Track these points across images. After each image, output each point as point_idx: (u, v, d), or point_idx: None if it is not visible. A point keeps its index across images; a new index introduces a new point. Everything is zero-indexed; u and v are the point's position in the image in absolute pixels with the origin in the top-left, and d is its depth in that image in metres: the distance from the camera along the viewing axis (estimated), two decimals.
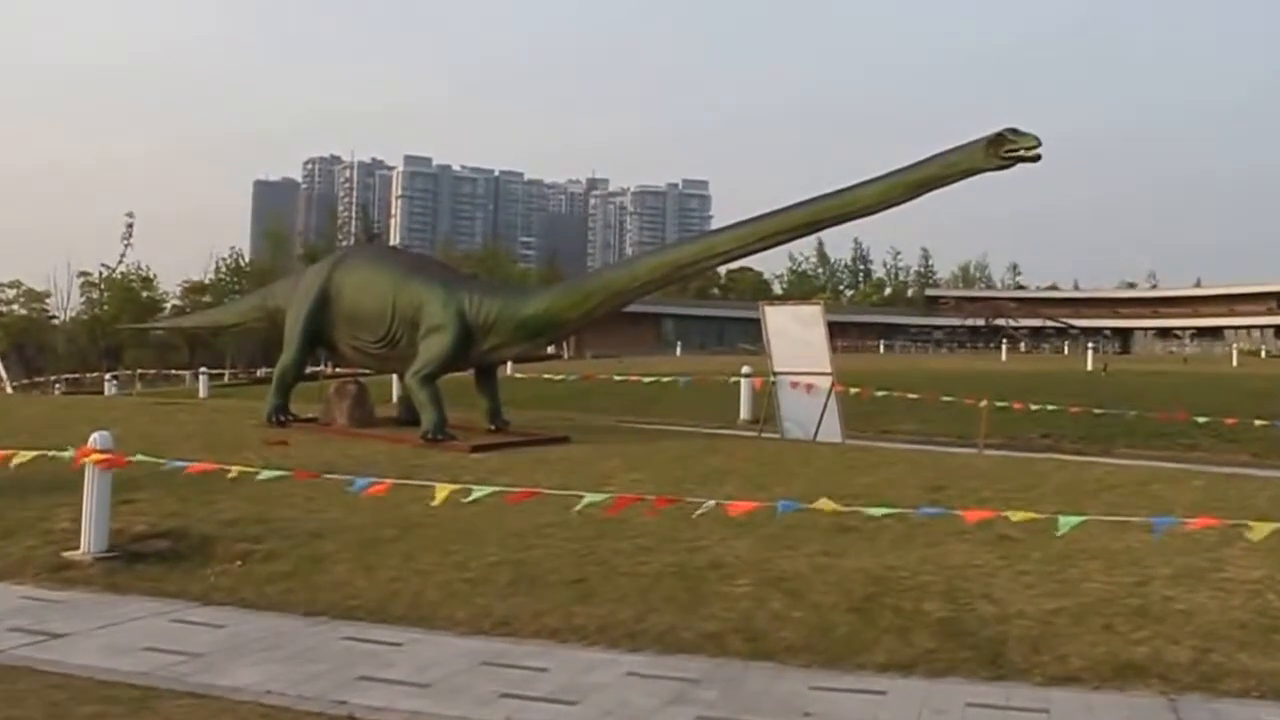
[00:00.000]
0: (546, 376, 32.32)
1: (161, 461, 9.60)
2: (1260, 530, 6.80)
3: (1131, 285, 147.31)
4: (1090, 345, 61.33)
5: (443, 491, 8.21)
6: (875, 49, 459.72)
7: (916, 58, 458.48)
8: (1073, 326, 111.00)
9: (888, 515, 8.51)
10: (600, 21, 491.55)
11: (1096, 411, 21.35)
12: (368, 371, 22.71)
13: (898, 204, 14.37)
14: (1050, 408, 21.06)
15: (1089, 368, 45.04)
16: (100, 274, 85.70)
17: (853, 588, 7.88)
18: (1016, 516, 7.53)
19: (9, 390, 45.69)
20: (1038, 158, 13.31)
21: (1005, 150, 13.32)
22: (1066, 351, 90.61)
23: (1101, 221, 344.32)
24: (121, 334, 75.33)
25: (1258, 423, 19.64)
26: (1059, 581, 8.01)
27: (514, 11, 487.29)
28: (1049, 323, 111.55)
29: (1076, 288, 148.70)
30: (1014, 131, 13.34)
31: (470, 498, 8.17)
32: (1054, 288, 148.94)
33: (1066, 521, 7.25)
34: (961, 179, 14.06)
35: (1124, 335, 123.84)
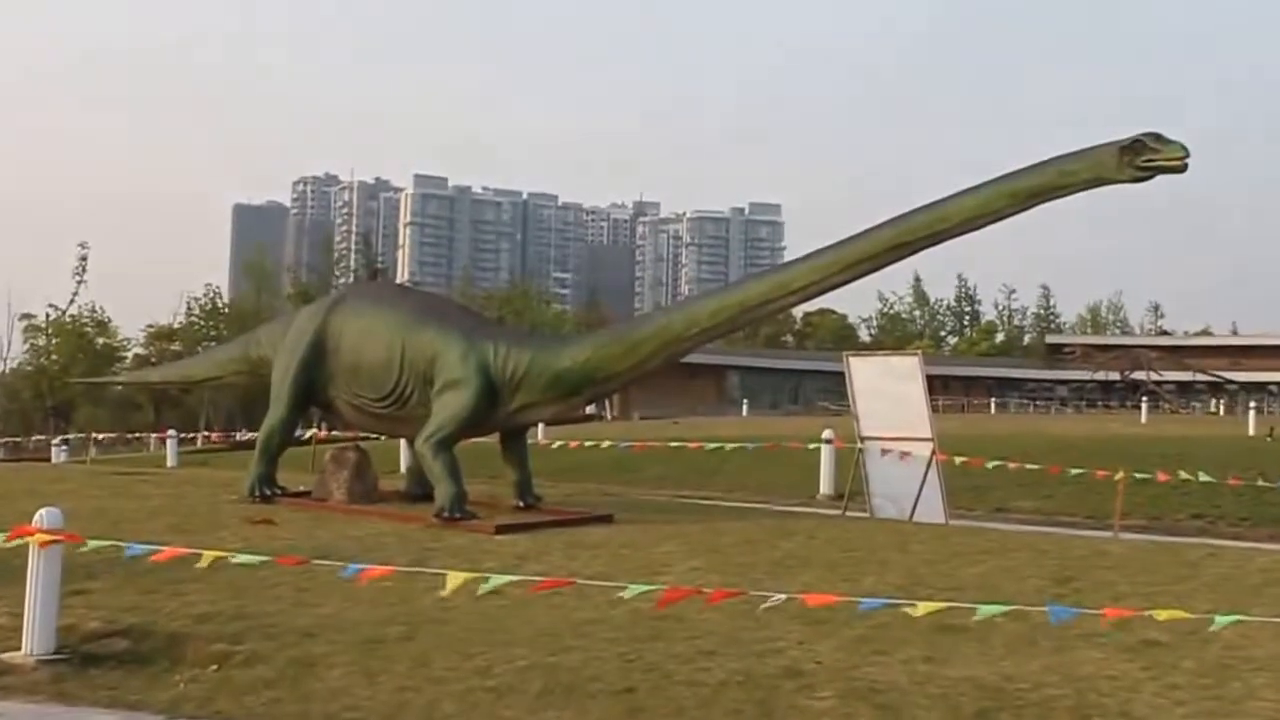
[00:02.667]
0: (588, 443, 32.34)
1: (121, 544, 9.66)
2: None
3: None
4: (1252, 404, 60.64)
5: (455, 579, 8.21)
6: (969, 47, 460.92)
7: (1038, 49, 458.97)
8: (1230, 381, 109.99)
9: (1002, 613, 8.43)
10: (645, 11, 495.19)
11: (1261, 485, 21.10)
12: (371, 436, 22.82)
13: (1002, 218, 14.32)
14: (1203, 479, 20.84)
15: (1251, 431, 44.52)
16: (47, 316, 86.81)
17: (961, 702, 7.81)
18: (1162, 615, 7.45)
19: None
20: (1183, 169, 13.22)
21: (1143, 160, 13.22)
22: (1222, 411, 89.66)
23: (1264, 251, 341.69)
24: (73, 389, 76.18)
25: None
26: (1217, 698, 7.90)
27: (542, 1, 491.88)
28: (1199, 376, 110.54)
29: (1235, 332, 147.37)
30: (1155, 138, 13.21)
31: (489, 586, 8.16)
32: (1206, 333, 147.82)
33: (1223, 620, 7.16)
34: (1083, 190, 13.97)
35: None
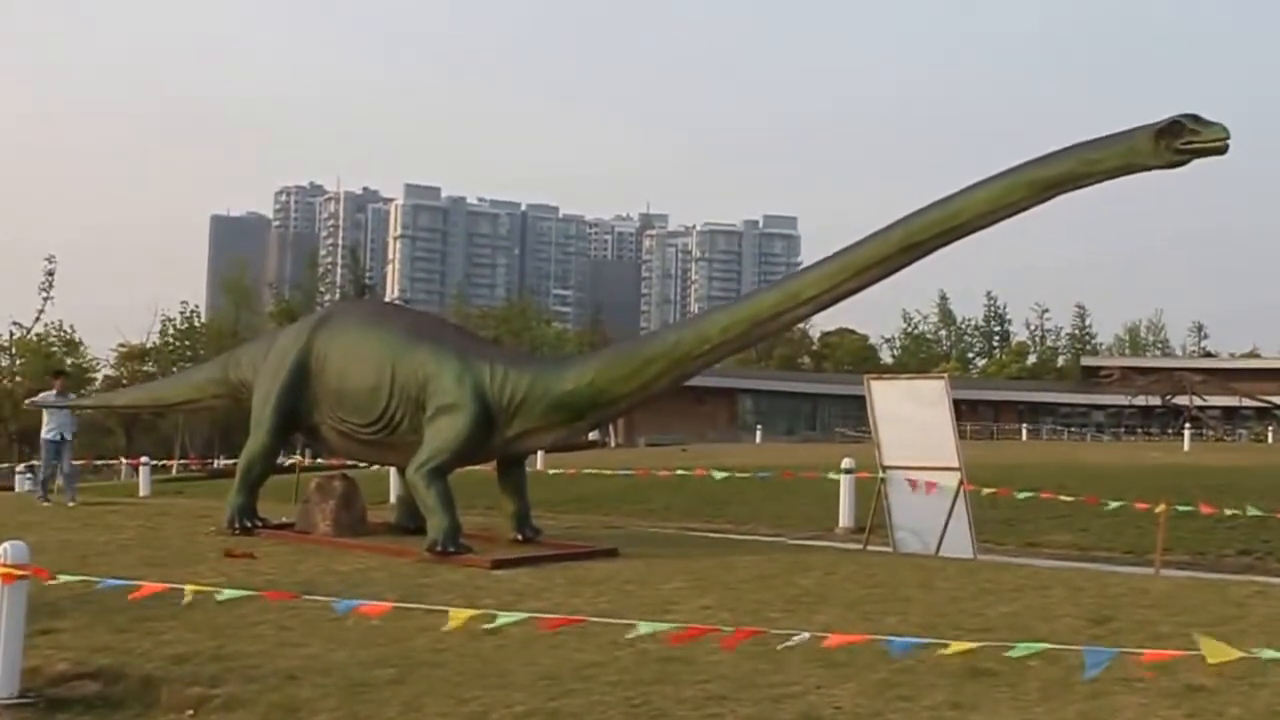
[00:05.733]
0: (589, 470, 32.36)
1: (91, 580, 9.66)
2: None
3: None
4: None
5: (460, 615, 8.19)
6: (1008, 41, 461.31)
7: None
8: (1278, 406, 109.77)
9: (1035, 655, 8.42)
10: (653, 9, 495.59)
11: None
12: (359, 464, 22.83)
13: (1020, 211, 14.20)
14: (1251, 513, 20.78)
15: None
16: (10, 335, 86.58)
17: None
18: (1208, 658, 7.42)
19: None
20: (1224, 150, 13.17)
21: (1182, 142, 13.16)
22: (1271, 439, 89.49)
23: None
24: (38, 413, 75.98)
25: None
26: None
27: None
28: (1246, 401, 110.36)
29: None
30: (1194, 119, 13.13)
31: (493, 624, 8.14)
32: (1253, 354, 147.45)
33: (1271, 654, 7.11)
34: (1111, 178, 13.84)
35: None
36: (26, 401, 33.29)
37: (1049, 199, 14.13)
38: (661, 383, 16.13)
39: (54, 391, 25.22)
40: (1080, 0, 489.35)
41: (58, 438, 24.47)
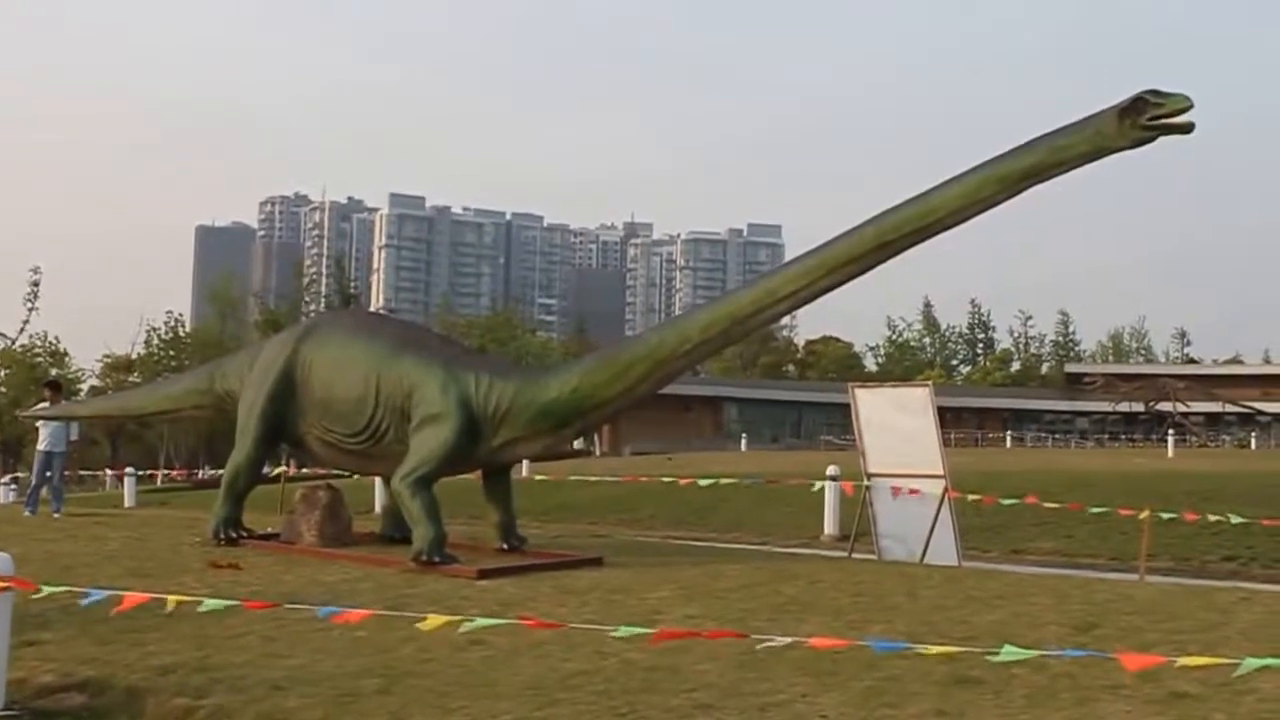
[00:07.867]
0: (574, 478, 32.34)
1: (76, 591, 9.63)
2: None
3: None
4: None
5: (435, 620, 8.19)
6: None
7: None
8: (1262, 412, 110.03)
9: (1020, 662, 8.42)
10: (635, 16, 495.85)
11: None
12: (344, 474, 22.80)
13: (992, 205, 14.22)
14: (1234, 520, 20.83)
15: None
16: None
17: None
18: (1192, 663, 7.42)
19: None
20: (1190, 126, 13.20)
21: (1147, 119, 13.18)
22: (1254, 445, 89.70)
23: None
24: (22, 424, 75.91)
25: None
26: None
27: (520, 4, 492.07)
28: (1229, 407, 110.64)
29: (1267, 360, 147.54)
30: (1155, 94, 13.17)
31: (470, 626, 8.12)
32: (1236, 361, 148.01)
33: (1253, 663, 7.12)
34: (1082, 164, 13.86)
35: None
36: (18, 413, 33.70)
37: (1021, 191, 14.16)
38: (645, 385, 16.11)
39: (46, 404, 25.08)
40: (1081, 1, 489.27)
41: (49, 450, 24.45)
